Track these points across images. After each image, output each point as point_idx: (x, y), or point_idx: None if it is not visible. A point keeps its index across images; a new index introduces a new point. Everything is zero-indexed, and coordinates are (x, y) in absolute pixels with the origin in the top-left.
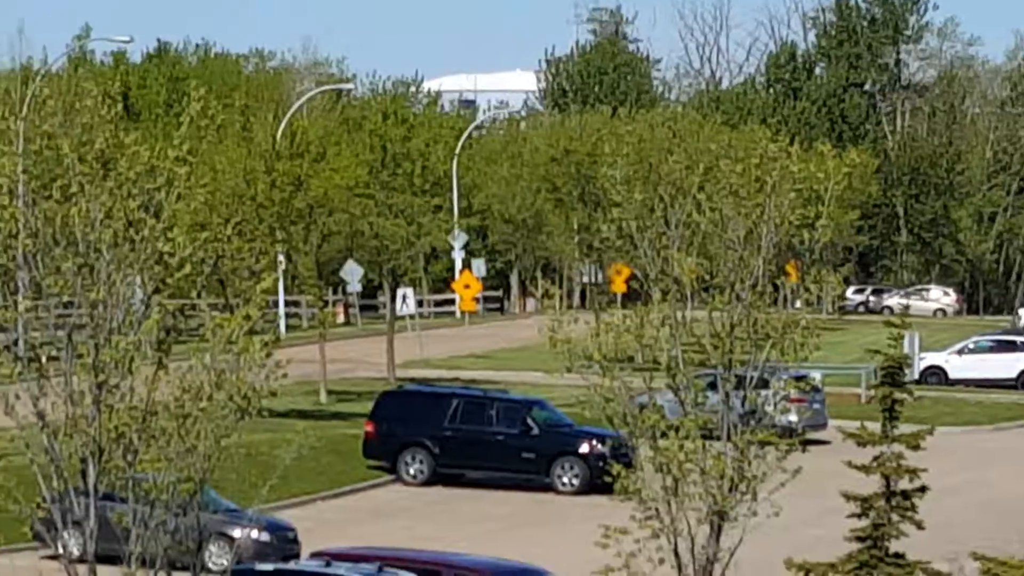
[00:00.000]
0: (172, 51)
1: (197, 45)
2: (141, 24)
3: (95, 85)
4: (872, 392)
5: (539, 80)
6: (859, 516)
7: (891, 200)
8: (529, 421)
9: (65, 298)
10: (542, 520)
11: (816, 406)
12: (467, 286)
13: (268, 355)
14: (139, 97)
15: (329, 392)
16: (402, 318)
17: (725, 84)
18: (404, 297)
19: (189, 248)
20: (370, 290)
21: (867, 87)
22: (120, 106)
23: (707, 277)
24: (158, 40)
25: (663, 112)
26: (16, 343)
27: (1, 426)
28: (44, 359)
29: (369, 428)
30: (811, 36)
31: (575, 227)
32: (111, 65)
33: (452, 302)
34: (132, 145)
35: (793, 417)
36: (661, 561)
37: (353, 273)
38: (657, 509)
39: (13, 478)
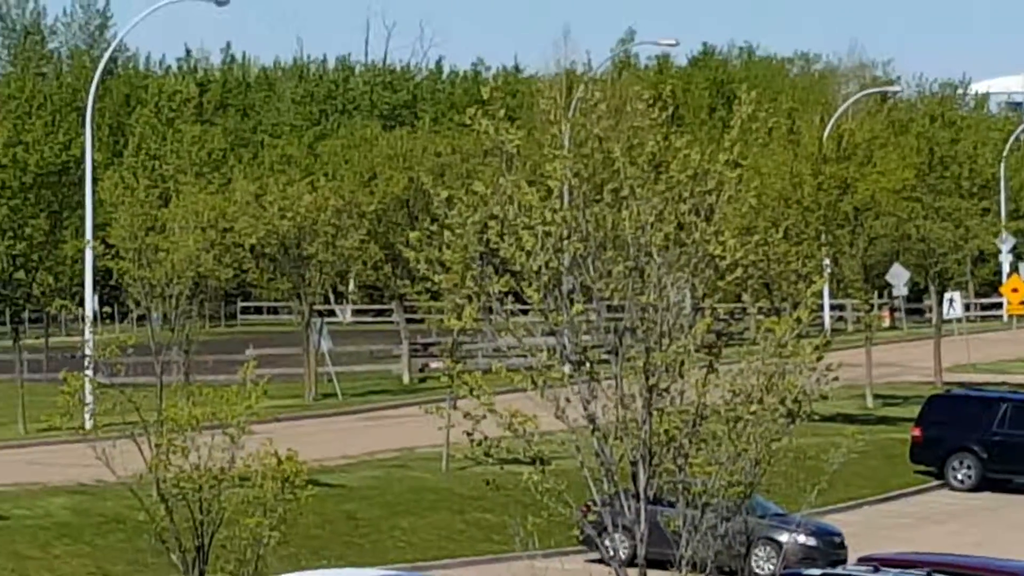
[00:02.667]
0: (716, 54)
1: (741, 48)
2: (685, 27)
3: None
4: None
5: None
6: None
7: None
8: None
9: (615, 301)
10: None
11: None
12: (1015, 290)
13: (819, 358)
14: (683, 101)
15: (875, 396)
16: (949, 322)
17: None
18: (951, 301)
19: (739, 252)
20: (916, 293)
21: None
22: (670, 110)
23: None
24: (703, 44)
25: None
26: (566, 346)
27: (552, 429)
28: (594, 362)
29: (916, 433)
30: None
31: None
32: (655, 69)
33: (999, 306)
34: (683, 148)
35: None
36: None
37: (899, 276)
38: None
39: (563, 481)
